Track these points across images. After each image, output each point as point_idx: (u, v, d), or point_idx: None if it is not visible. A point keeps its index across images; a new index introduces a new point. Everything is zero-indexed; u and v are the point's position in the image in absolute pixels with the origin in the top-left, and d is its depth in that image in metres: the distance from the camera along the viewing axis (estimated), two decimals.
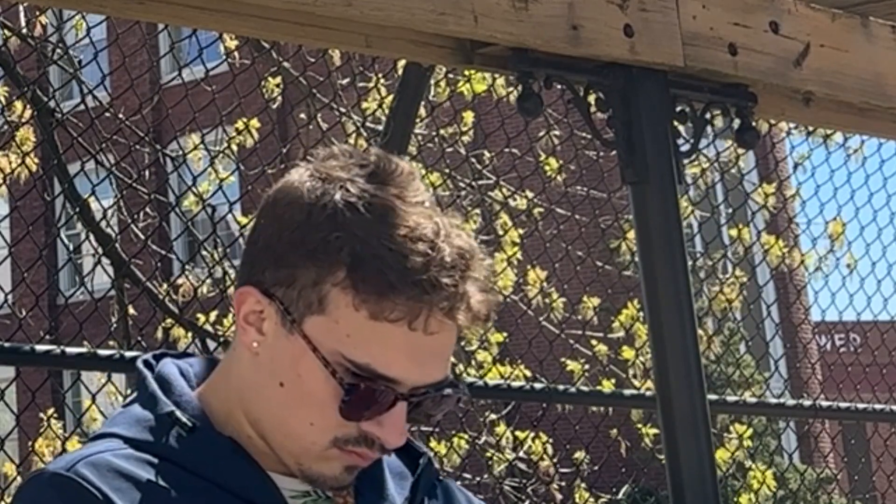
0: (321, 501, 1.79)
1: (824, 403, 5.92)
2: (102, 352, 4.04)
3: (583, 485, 6.86)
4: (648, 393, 5.53)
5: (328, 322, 1.69)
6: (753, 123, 3.36)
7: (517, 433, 6.89)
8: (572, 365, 6.95)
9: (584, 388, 5.91)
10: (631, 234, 5.55)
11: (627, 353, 7.02)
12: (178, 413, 1.76)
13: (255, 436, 1.78)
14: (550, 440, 6.77)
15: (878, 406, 6.44)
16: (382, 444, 1.73)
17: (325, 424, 1.72)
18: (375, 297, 1.67)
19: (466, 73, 6.58)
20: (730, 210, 7.88)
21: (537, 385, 5.30)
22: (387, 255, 1.67)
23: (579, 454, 7.00)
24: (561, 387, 5.29)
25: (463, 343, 6.70)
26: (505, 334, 6.78)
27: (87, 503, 1.68)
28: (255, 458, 1.77)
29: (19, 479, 4.38)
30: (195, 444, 1.75)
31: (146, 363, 1.85)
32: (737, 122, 3.35)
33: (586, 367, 6.98)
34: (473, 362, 6.57)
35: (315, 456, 1.75)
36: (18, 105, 6.19)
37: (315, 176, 1.73)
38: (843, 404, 6.14)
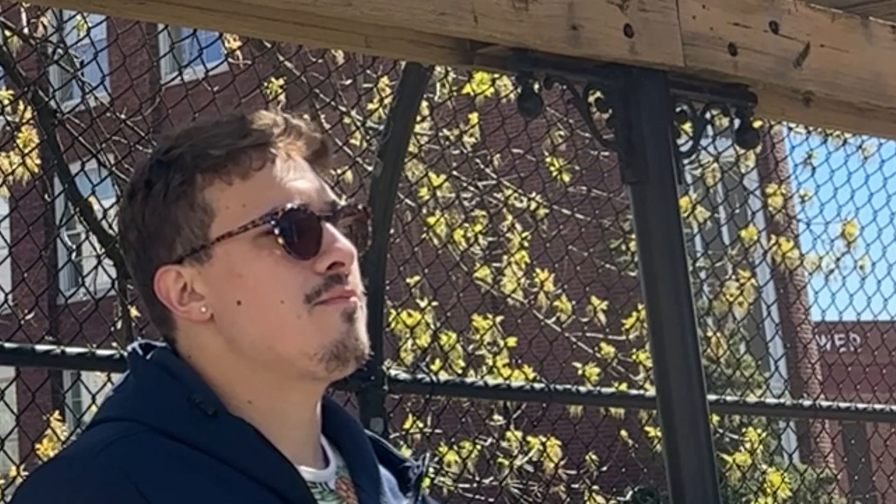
0: (326, 493, 1.79)
1: (824, 403, 5.92)
2: (102, 352, 4.04)
3: (594, 487, 6.85)
4: (649, 393, 5.53)
5: (223, 214, 1.79)
6: (754, 124, 3.36)
7: (526, 438, 6.88)
8: (586, 370, 6.95)
9: (583, 389, 5.91)
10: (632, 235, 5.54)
11: (635, 356, 7.02)
12: (200, 398, 1.75)
13: (258, 417, 1.77)
14: (557, 443, 6.77)
15: (878, 406, 6.44)
16: (345, 273, 1.79)
17: (291, 290, 1.77)
18: (232, 164, 1.80)
19: (468, 73, 6.58)
20: (730, 210, 7.88)
21: (537, 385, 5.30)
22: (212, 135, 1.82)
23: (588, 457, 7.00)
24: (561, 387, 5.29)
25: (471, 347, 6.70)
26: (514, 339, 6.78)
27: (121, 492, 1.66)
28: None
29: (20, 479, 4.38)
30: (218, 429, 1.74)
31: (135, 351, 1.84)
32: (737, 122, 3.35)
33: (595, 370, 6.98)
34: (483, 368, 6.57)
35: (313, 330, 1.77)
36: (19, 105, 6.19)
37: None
38: (843, 404, 6.14)
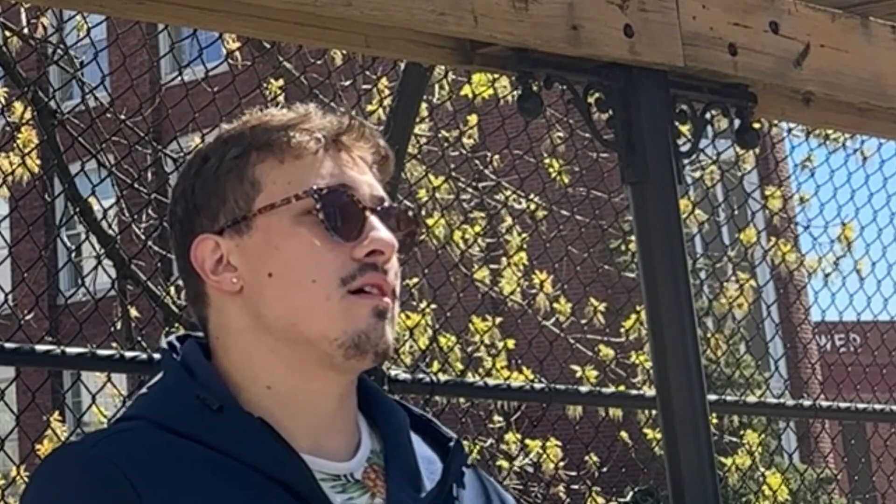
0: (349, 485, 1.78)
1: (824, 404, 5.91)
2: (102, 352, 4.04)
3: (594, 487, 6.85)
4: (649, 393, 5.52)
5: (269, 189, 1.82)
6: (754, 124, 3.36)
7: (526, 440, 6.89)
8: (586, 371, 6.96)
9: (583, 389, 5.91)
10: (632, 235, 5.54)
11: (634, 357, 7.03)
12: (205, 394, 1.76)
13: (277, 406, 1.78)
14: (557, 444, 6.77)
15: (878, 406, 6.44)
16: (384, 264, 1.79)
17: (325, 271, 1.78)
18: (288, 145, 1.83)
19: (467, 74, 6.58)
20: (730, 210, 7.88)
21: (537, 385, 5.29)
22: (276, 119, 1.86)
23: (589, 458, 7.01)
24: (561, 387, 5.29)
25: (470, 349, 6.70)
26: (513, 341, 6.77)
27: (111, 482, 1.67)
28: (285, 438, 1.75)
29: (20, 479, 4.38)
30: (224, 424, 1.74)
31: (170, 345, 1.86)
32: (737, 123, 3.35)
33: (594, 373, 6.99)
34: (481, 369, 6.57)
35: (339, 316, 1.76)
36: (19, 106, 6.19)
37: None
38: (843, 404, 6.14)
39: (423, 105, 6.20)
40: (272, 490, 1.71)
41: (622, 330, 7.19)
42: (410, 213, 1.88)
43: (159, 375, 1.84)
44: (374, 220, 1.81)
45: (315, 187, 1.80)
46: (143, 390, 1.84)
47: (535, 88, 3.03)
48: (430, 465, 1.86)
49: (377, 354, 1.79)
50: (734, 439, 8.12)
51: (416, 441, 1.88)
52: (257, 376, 1.80)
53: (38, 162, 6.05)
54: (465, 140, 7.18)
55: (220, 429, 1.74)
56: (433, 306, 6.49)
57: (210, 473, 1.70)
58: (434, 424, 1.92)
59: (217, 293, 1.83)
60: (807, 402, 6.05)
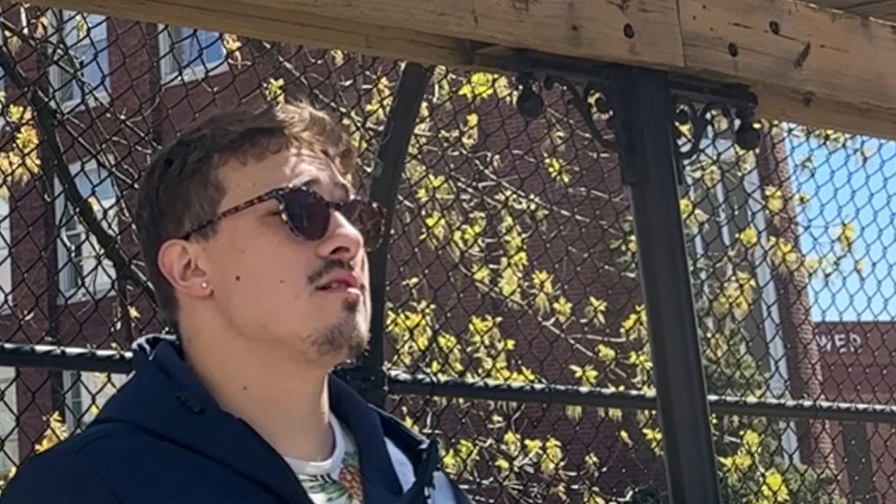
0: (327, 485, 1.78)
1: (824, 404, 5.91)
2: (102, 352, 4.04)
3: (594, 488, 6.85)
4: (649, 394, 5.52)
5: (233, 191, 1.81)
6: (754, 124, 3.36)
7: (525, 440, 6.89)
8: (586, 372, 6.96)
9: (583, 389, 5.91)
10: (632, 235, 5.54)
11: (634, 357, 7.03)
12: (186, 395, 1.75)
13: (254, 407, 1.77)
14: (557, 444, 6.77)
15: (878, 406, 6.44)
16: (349, 260, 1.79)
17: (292, 270, 1.77)
18: (250, 145, 1.82)
19: (467, 74, 6.58)
20: (731, 211, 7.88)
21: (537, 385, 5.29)
22: (236, 118, 1.85)
23: (589, 458, 7.01)
24: (561, 387, 5.28)
25: (470, 349, 6.70)
26: (513, 341, 6.77)
27: (92, 490, 1.66)
28: (265, 439, 1.75)
29: None
30: (205, 426, 1.73)
31: (140, 347, 1.85)
32: (737, 123, 3.35)
33: (593, 373, 6.99)
34: (481, 370, 6.57)
35: (310, 313, 1.76)
36: (18, 106, 6.19)
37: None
38: (843, 405, 6.14)
39: (423, 105, 6.20)
40: (254, 492, 1.71)
41: (622, 330, 7.19)
42: (374, 206, 1.87)
43: (132, 376, 1.83)
44: (338, 216, 1.81)
45: (278, 188, 1.79)
46: (117, 392, 1.84)
47: (535, 89, 3.03)
48: (402, 467, 1.87)
49: (351, 348, 1.78)
50: (734, 439, 8.12)
51: (388, 444, 1.89)
52: (233, 378, 1.80)
53: (38, 162, 6.05)
54: (465, 140, 7.18)
55: (201, 431, 1.73)
56: (433, 306, 6.49)
57: (192, 476, 1.70)
58: (403, 428, 1.93)
59: (187, 298, 1.83)
60: (807, 403, 6.05)
